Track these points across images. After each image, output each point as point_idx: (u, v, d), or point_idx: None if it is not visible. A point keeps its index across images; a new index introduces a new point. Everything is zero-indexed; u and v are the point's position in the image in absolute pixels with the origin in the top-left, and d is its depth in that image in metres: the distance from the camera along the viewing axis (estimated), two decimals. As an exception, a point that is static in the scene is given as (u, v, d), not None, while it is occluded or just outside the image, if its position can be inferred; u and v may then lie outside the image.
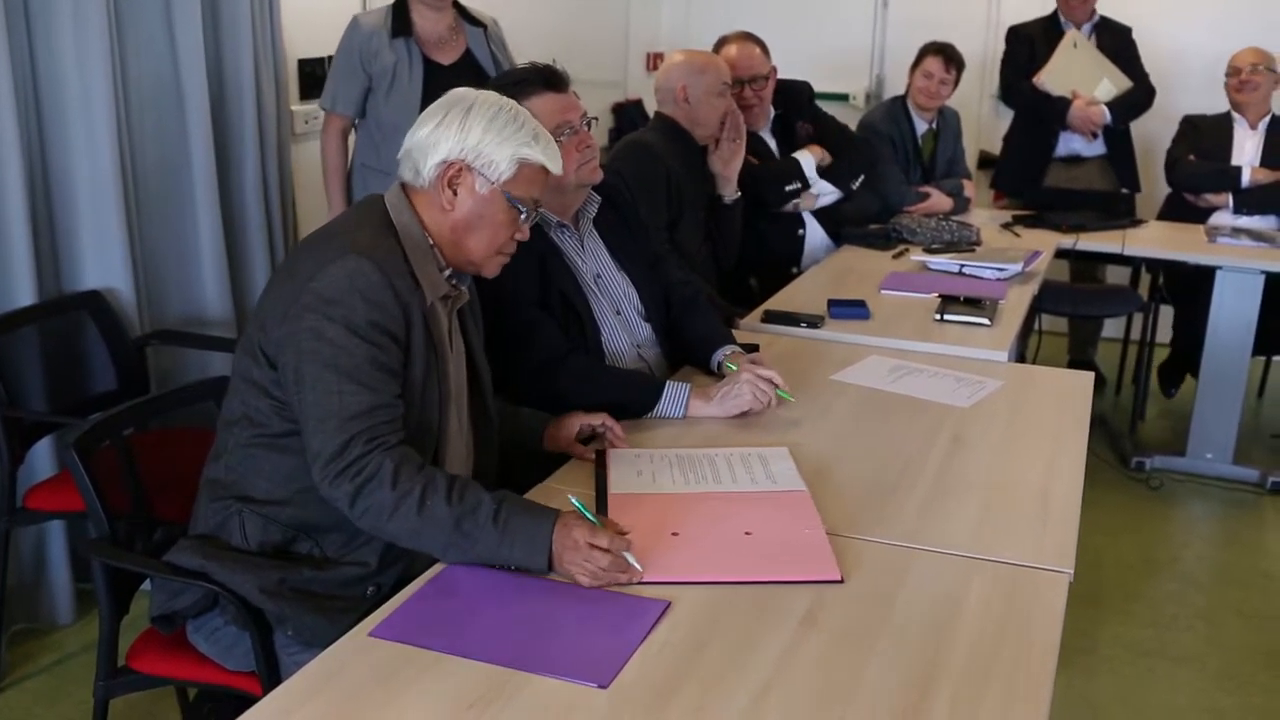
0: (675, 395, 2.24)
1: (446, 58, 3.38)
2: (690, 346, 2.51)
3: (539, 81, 2.25)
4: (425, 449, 1.79)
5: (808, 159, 3.79)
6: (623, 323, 2.44)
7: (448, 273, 1.85)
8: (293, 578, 1.76)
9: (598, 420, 2.09)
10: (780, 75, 3.83)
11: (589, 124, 2.32)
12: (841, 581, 1.63)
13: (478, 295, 2.05)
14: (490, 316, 2.17)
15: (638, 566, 1.62)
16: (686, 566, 1.66)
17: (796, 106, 3.93)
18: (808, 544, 1.74)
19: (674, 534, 1.76)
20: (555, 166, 1.85)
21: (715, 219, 3.46)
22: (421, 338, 1.77)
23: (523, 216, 1.83)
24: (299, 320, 1.68)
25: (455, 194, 1.80)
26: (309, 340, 1.67)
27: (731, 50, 3.72)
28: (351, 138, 3.53)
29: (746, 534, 1.77)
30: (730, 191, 3.45)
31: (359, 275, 1.68)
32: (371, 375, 1.68)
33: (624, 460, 2.03)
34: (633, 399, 2.23)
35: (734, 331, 2.65)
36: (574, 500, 1.68)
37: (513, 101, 1.87)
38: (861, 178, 3.89)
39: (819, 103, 4.05)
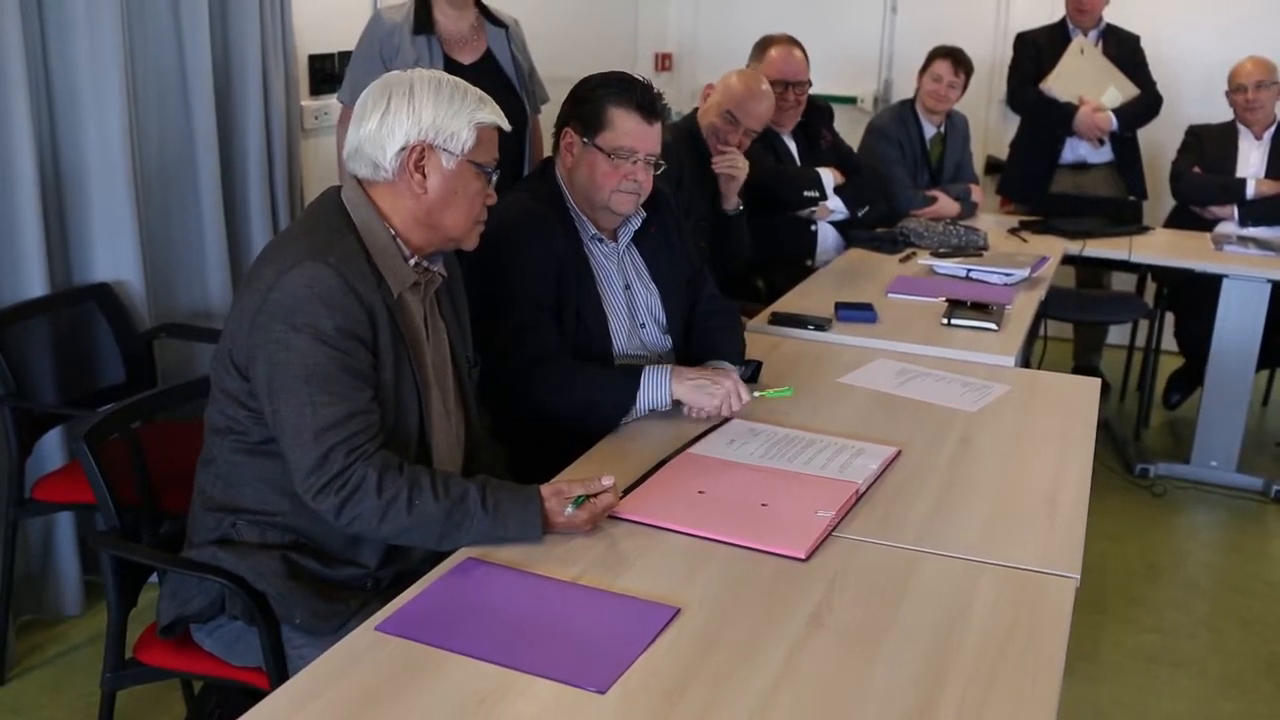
0: (658, 380, 2.16)
1: (467, 57, 3.37)
2: (699, 351, 2.49)
3: (632, 102, 2.25)
4: (409, 445, 1.79)
5: (828, 175, 3.85)
6: (645, 336, 2.43)
7: (414, 261, 1.82)
8: (302, 564, 1.77)
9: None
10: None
11: (656, 166, 2.31)
12: (804, 560, 1.66)
13: (488, 284, 2.04)
14: (492, 310, 2.16)
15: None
16: (670, 516, 1.74)
17: (819, 118, 4.02)
18: (802, 523, 1.75)
19: (700, 492, 1.83)
20: (505, 124, 1.84)
21: (719, 229, 3.46)
22: (389, 336, 1.75)
23: (491, 180, 1.84)
24: (264, 331, 1.66)
25: (425, 176, 1.78)
26: (278, 352, 1.65)
27: (777, 53, 3.77)
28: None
29: (763, 505, 1.81)
30: (732, 205, 3.44)
31: (317, 282, 1.66)
32: (344, 383, 1.67)
33: (729, 430, 2.13)
34: (608, 397, 2.17)
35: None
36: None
37: (444, 73, 1.83)
38: (867, 208, 3.92)
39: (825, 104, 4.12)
